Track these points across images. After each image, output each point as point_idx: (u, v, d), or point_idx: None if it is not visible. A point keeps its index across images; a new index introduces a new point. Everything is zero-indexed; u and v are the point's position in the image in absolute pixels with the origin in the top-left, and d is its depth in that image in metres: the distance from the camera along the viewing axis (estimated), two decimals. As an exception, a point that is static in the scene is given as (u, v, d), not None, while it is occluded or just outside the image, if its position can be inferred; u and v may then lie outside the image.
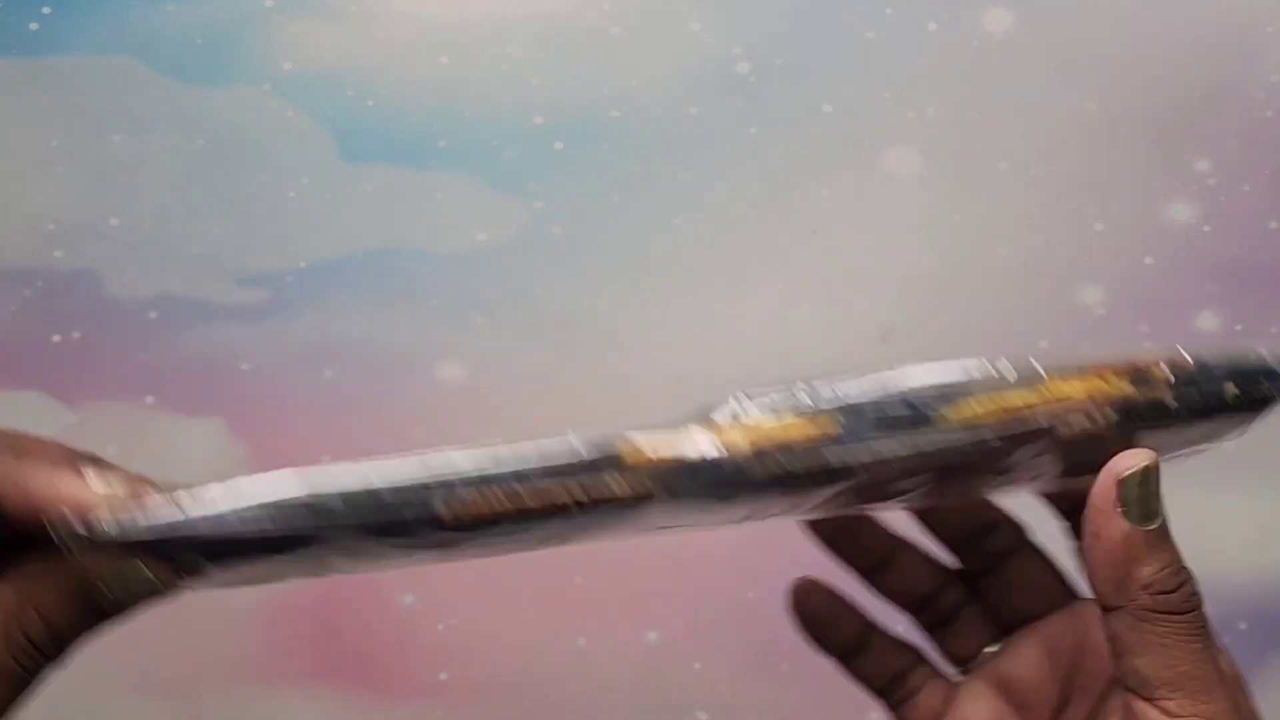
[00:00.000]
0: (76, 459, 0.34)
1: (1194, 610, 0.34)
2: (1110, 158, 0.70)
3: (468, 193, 0.71)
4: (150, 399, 0.71)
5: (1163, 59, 0.69)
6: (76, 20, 0.71)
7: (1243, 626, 0.70)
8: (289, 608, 0.74)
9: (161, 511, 0.33)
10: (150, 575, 0.32)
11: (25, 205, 0.72)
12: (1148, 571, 0.33)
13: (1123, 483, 0.34)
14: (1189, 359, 0.36)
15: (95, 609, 0.33)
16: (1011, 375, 0.35)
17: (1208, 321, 0.70)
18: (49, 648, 0.33)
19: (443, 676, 0.73)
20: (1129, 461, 0.34)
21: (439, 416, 0.71)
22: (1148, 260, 0.70)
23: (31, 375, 0.72)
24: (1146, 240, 0.70)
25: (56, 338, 0.72)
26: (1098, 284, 0.70)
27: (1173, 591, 0.33)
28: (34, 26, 0.71)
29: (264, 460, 0.71)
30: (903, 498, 0.36)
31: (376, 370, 0.71)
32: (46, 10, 0.71)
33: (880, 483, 0.35)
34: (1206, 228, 0.69)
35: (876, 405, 0.34)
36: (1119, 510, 0.34)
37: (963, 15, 0.69)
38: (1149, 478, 0.34)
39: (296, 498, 0.34)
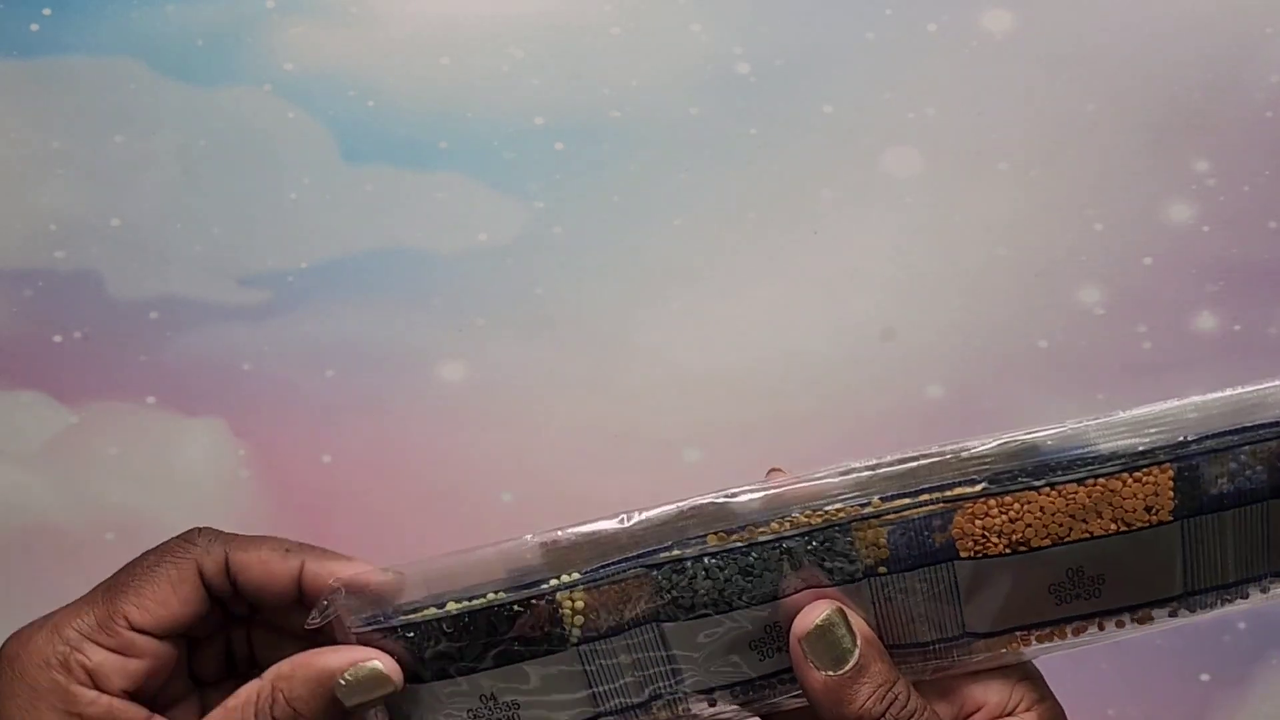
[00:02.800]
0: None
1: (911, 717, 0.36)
2: (1110, 158, 0.70)
3: (468, 193, 0.71)
4: (151, 399, 0.72)
5: (1163, 59, 0.69)
6: (77, 21, 0.71)
7: (1242, 626, 0.70)
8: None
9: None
10: (381, 669, 0.36)
11: (27, 206, 0.72)
12: (853, 709, 0.36)
13: (805, 640, 0.36)
14: None
15: (336, 703, 0.37)
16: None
17: (1206, 321, 0.70)
18: None
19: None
20: (809, 618, 0.36)
21: (439, 416, 0.72)
22: (1147, 260, 0.70)
23: (33, 375, 0.72)
24: (1146, 240, 0.70)
25: (58, 338, 0.72)
26: (1098, 284, 0.70)
27: (883, 714, 0.36)
28: (35, 27, 0.71)
29: (264, 460, 0.71)
30: None
31: (376, 370, 0.71)
32: (47, 11, 0.71)
33: None
34: (1206, 228, 0.70)
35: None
36: (810, 664, 0.36)
37: (963, 15, 0.69)
38: (831, 629, 0.36)
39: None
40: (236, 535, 0.38)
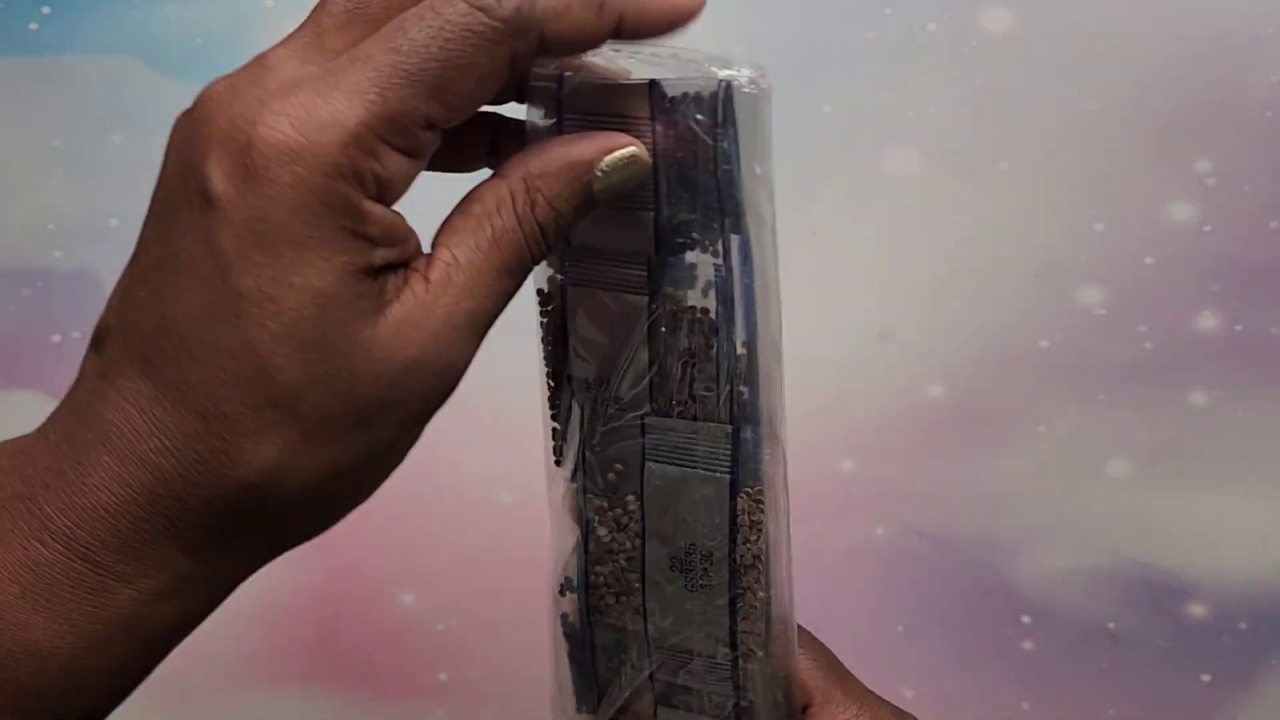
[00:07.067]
0: None
1: None
2: (1110, 158, 0.70)
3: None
4: (150, 399, 0.71)
5: (1163, 59, 0.69)
6: (76, 20, 0.71)
7: (1243, 626, 0.70)
8: (289, 608, 0.74)
9: None
10: (638, 153, 0.34)
11: (25, 205, 0.72)
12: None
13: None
14: None
15: (590, 198, 0.34)
16: None
17: (1208, 321, 0.70)
18: (552, 237, 0.34)
19: (443, 677, 0.73)
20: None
21: (439, 416, 0.71)
22: (1148, 260, 0.70)
23: (31, 375, 0.72)
24: (1146, 240, 0.70)
25: (56, 338, 0.72)
26: (1098, 284, 0.70)
27: None
28: (34, 26, 0.71)
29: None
30: None
31: (376, 370, 0.71)
32: (46, 10, 0.71)
33: None
34: (1207, 228, 0.69)
35: None
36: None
37: (963, 15, 0.69)
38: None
39: None
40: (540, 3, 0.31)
